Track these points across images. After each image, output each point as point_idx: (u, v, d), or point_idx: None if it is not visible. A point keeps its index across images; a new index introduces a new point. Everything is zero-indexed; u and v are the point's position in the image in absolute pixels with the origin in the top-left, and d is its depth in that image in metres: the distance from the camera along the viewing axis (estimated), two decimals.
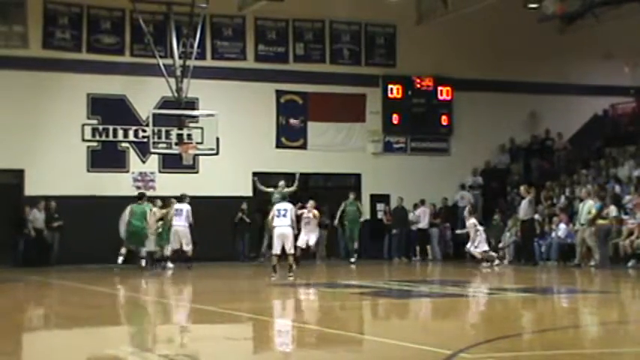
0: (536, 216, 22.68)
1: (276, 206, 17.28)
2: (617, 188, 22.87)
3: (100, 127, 24.56)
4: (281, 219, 16.83)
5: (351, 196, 24.38)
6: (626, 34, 26.61)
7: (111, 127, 24.65)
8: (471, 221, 22.27)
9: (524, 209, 22.50)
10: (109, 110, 24.55)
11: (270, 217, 17.64)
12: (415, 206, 25.67)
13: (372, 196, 26.46)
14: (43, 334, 11.08)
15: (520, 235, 22.92)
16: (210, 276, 20.37)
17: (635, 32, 26.54)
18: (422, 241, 25.59)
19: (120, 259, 20.69)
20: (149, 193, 24.46)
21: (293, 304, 14.55)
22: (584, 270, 20.20)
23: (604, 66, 27.89)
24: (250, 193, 25.25)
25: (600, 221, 21.00)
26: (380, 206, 26.33)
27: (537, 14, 25.64)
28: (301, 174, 26.15)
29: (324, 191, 24.91)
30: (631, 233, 20.61)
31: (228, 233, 24.47)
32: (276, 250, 16.97)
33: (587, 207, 20.86)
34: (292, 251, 17.23)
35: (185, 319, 12.63)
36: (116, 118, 24.64)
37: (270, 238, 18.27)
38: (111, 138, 24.63)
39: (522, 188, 22.99)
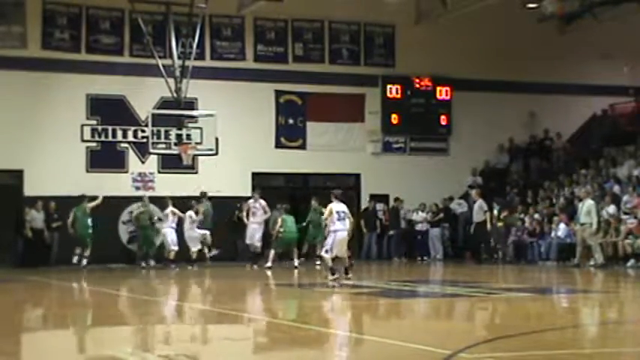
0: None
1: (335, 207, 15.97)
2: (617, 188, 22.88)
3: (100, 128, 24.55)
4: (343, 222, 15.83)
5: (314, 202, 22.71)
6: (625, 34, 26.62)
7: (110, 128, 24.64)
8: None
9: (476, 212, 23.21)
10: (108, 110, 24.53)
11: (325, 217, 16.38)
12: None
13: (371, 196, 26.44)
14: (43, 335, 11.07)
15: (473, 236, 23.60)
16: (209, 276, 20.37)
17: (633, 32, 26.56)
18: (409, 241, 25.61)
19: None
20: (148, 193, 24.53)
21: (291, 305, 14.56)
22: (584, 270, 20.20)
23: (603, 66, 27.87)
24: (249, 193, 25.21)
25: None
26: (379, 206, 26.32)
27: (536, 14, 25.63)
28: (300, 174, 26.28)
29: (323, 191, 24.80)
30: (630, 233, 20.62)
31: (227, 233, 24.43)
32: (338, 253, 15.93)
33: (586, 207, 20.91)
34: (350, 254, 16.88)
35: (185, 319, 12.63)
36: (115, 119, 24.62)
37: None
38: (110, 138, 24.62)
39: (474, 192, 23.64)
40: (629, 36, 26.77)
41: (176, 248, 22.15)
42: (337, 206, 16.12)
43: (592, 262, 20.70)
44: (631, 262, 20.29)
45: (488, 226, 23.30)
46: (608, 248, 21.00)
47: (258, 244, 22.22)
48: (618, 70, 27.87)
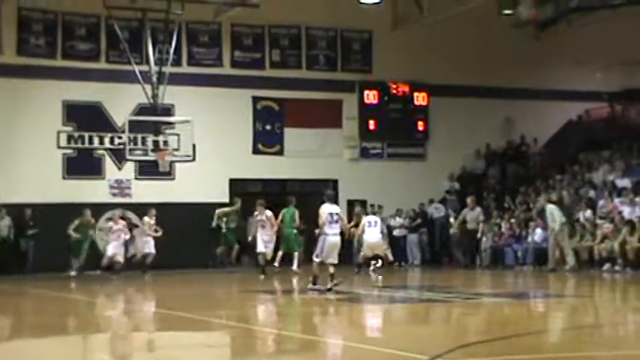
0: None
1: (327, 209, 15.46)
2: (592, 193, 23.07)
3: (76, 134, 24.43)
4: (334, 225, 15.44)
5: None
6: (600, 40, 26.84)
7: (86, 134, 24.53)
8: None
9: (473, 220, 23.45)
10: (85, 117, 24.43)
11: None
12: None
13: (349, 201, 26.45)
14: (19, 344, 10.98)
15: (465, 240, 23.84)
16: (186, 283, 20.31)
17: (607, 38, 26.78)
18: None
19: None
20: (124, 200, 24.42)
21: (269, 311, 14.55)
22: (560, 274, 20.33)
23: (578, 71, 28.10)
24: (227, 199, 25.18)
25: (452, 230, 24.21)
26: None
27: (512, 20, 25.80)
28: (278, 180, 26.24)
29: (300, 197, 24.79)
30: (605, 237, 20.78)
31: (205, 240, 24.38)
32: (327, 259, 15.47)
33: (549, 211, 21.19)
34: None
35: (162, 326, 12.58)
36: (92, 125, 24.51)
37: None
38: (86, 145, 24.50)
39: (470, 199, 23.80)
40: (602, 42, 26.98)
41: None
42: (329, 208, 15.58)
43: (567, 267, 20.85)
44: (606, 265, 20.45)
45: (479, 234, 23.55)
46: (584, 252, 21.17)
47: (270, 251, 20.67)
48: (592, 75, 28.11)
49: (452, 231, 24.51)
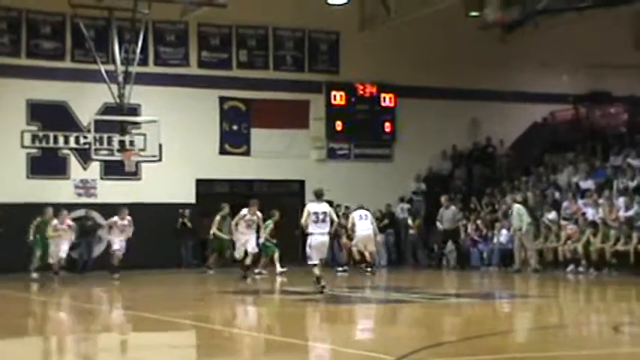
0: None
1: (312, 208, 15.08)
2: (557, 194, 23.27)
3: (40, 134, 24.20)
4: (320, 225, 15.02)
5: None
6: (566, 42, 27.08)
7: (51, 134, 24.30)
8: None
9: (449, 220, 23.11)
10: (50, 116, 24.19)
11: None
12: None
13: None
14: None
15: (452, 243, 23.59)
16: (154, 283, 20.21)
17: (574, 41, 27.03)
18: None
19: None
20: (90, 200, 24.23)
21: (237, 312, 14.53)
22: (525, 275, 20.48)
23: (543, 74, 28.33)
24: (193, 200, 25.09)
25: (412, 231, 24.68)
26: None
27: (479, 22, 25.95)
28: (245, 181, 26.17)
29: (267, 198, 24.77)
30: (569, 238, 20.98)
31: (172, 240, 24.29)
32: (317, 259, 15.24)
33: (516, 211, 21.34)
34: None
35: (129, 327, 12.51)
36: (57, 125, 24.27)
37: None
38: (51, 144, 24.28)
39: (444, 199, 23.55)
40: (568, 44, 27.23)
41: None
42: (314, 206, 15.16)
43: (531, 268, 21.01)
44: (570, 267, 20.64)
45: (462, 235, 23.52)
46: (548, 254, 21.35)
47: (254, 250, 20.11)
48: (558, 77, 28.36)
49: (410, 232, 24.63)
